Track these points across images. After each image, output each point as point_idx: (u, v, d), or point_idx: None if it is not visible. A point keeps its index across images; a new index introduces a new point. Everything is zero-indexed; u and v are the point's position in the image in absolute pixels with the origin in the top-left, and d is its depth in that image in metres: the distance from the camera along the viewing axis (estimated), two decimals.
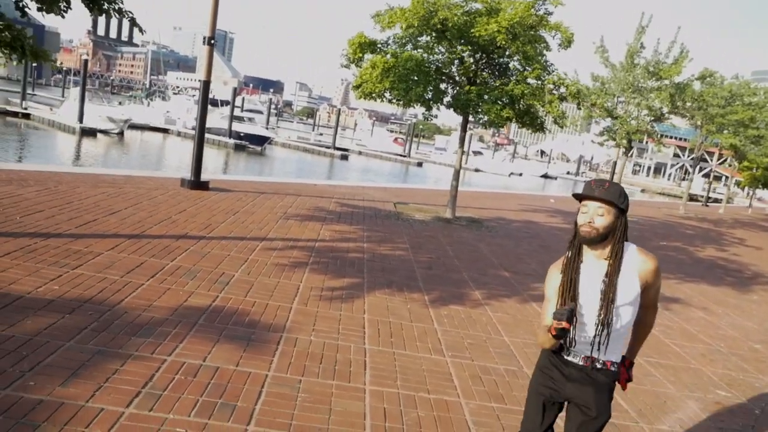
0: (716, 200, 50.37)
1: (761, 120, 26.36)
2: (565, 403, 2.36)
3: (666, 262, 10.96)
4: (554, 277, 2.32)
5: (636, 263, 2.22)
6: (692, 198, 48.49)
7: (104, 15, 5.77)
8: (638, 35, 17.95)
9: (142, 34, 6.32)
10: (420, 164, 49.71)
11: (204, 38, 9.03)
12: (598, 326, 2.20)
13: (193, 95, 63.30)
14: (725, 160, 47.12)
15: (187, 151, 32.87)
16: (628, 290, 2.20)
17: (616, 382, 2.33)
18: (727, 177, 53.05)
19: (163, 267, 5.14)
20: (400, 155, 53.87)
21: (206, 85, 9.36)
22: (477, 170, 52.71)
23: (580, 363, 2.26)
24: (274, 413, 3.07)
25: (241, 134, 38.61)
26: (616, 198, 2.16)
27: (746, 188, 48.83)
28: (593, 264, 2.25)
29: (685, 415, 4.14)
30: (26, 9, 5.42)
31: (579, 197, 2.23)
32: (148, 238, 5.98)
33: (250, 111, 56.47)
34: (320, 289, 5.38)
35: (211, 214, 7.81)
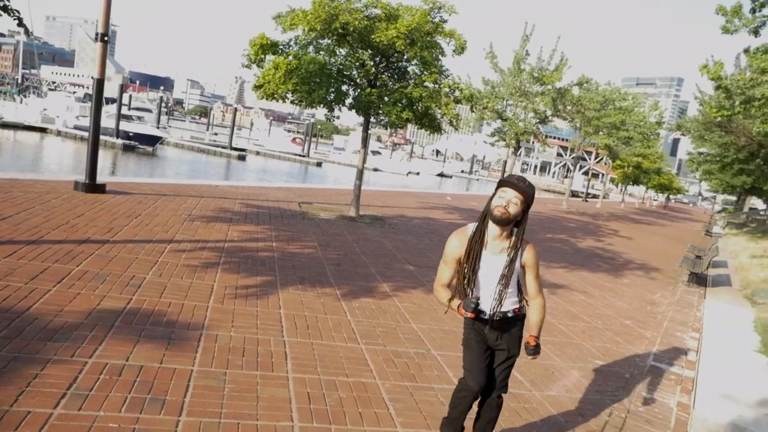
0: (594, 196, 54.70)
1: (630, 122, 29.08)
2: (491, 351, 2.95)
3: (551, 253, 11.97)
4: (455, 245, 2.80)
5: (522, 250, 2.82)
6: (574, 194, 52.31)
7: None
8: (523, 43, 19.29)
9: (29, 36, 6.02)
10: (319, 164, 49.82)
11: (97, 34, 8.64)
12: (497, 289, 2.78)
13: (74, 92, 58.99)
14: (601, 159, 51.21)
15: (69, 152, 30.83)
16: (515, 265, 2.82)
17: (524, 333, 2.97)
18: (603, 174, 57.72)
19: (70, 272, 5.01)
20: (299, 155, 53.68)
21: (100, 83, 8.99)
22: (376, 170, 53.68)
23: (496, 318, 2.84)
24: (203, 404, 3.20)
25: (131, 134, 36.78)
26: (531, 194, 2.68)
27: (619, 185, 53.53)
28: (492, 243, 2.77)
29: (569, 382, 4.72)
30: None
31: (501, 183, 2.70)
32: (48, 244, 5.76)
33: (139, 109, 53.80)
34: (234, 287, 5.47)
35: (112, 217, 7.58)
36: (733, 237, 29.58)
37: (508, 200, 2.63)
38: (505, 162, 25.80)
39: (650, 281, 10.89)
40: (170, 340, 3.98)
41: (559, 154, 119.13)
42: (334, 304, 5.55)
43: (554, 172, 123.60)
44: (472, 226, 2.80)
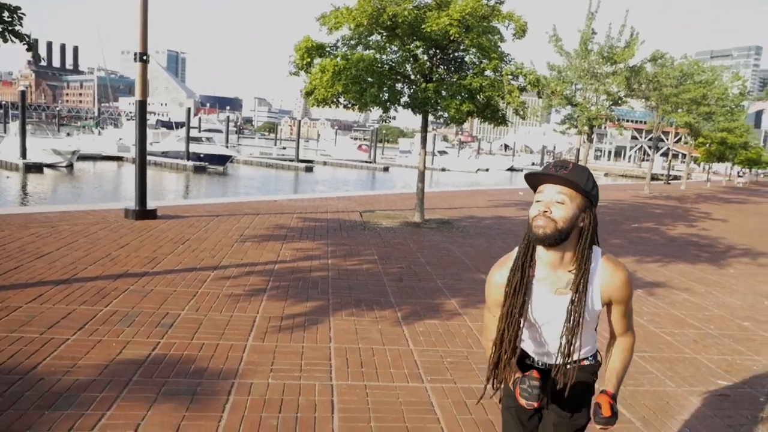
0: (675, 177, 51.31)
1: (711, 96, 26.78)
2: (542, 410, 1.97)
3: (641, 245, 10.70)
4: (497, 283, 1.85)
5: (600, 274, 1.78)
6: (654, 177, 49.22)
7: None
8: (589, 21, 17.87)
9: (38, 60, 5.63)
10: (386, 169, 49.29)
11: (135, 54, 8.36)
12: (559, 353, 1.79)
13: (147, 119, 61.71)
14: (680, 139, 47.97)
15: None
16: (589, 307, 1.79)
17: (596, 390, 1.91)
18: (684, 155, 54.11)
19: (95, 315, 4.51)
20: (366, 162, 53.39)
21: (142, 105, 8.69)
22: (444, 170, 52.60)
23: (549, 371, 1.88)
24: None
25: (201, 155, 37.60)
26: (582, 181, 1.67)
27: (702, 164, 49.88)
28: (547, 274, 1.79)
29: (691, 415, 3.71)
30: None
31: (534, 181, 1.75)
32: (80, 282, 5.32)
33: (209, 131, 55.38)
34: (279, 318, 4.81)
35: (158, 245, 7.15)
36: None
37: (548, 203, 1.69)
38: (578, 150, 24.29)
39: (760, 269, 9.44)
40: (194, 396, 3.34)
41: (633, 137, 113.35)
42: (393, 331, 4.77)
43: (630, 156, 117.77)
44: (515, 252, 1.88)
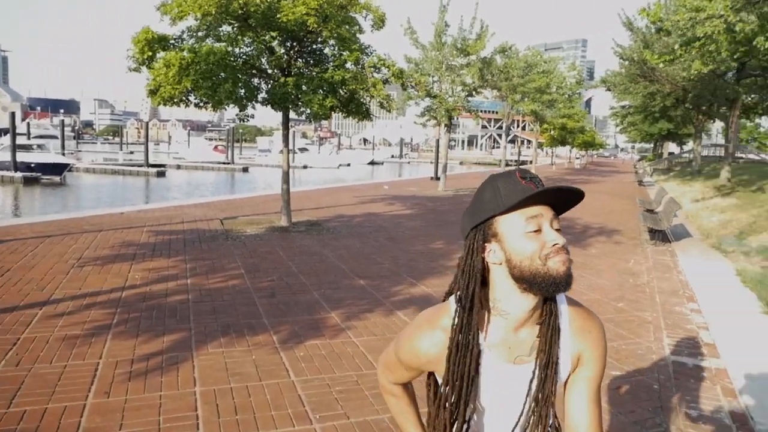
0: (524, 162, 55.26)
1: (553, 85, 28.99)
2: None
3: None
4: (423, 349, 1.25)
5: (569, 326, 1.24)
6: (507, 164, 52.53)
7: None
8: (441, 14, 18.22)
9: None
10: (246, 169, 47.50)
11: None
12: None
13: None
14: (525, 126, 51.67)
15: None
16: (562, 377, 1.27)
17: None
18: (530, 141, 58.22)
19: None
20: (224, 163, 51.09)
21: None
22: (305, 167, 51.90)
23: None
24: None
25: (32, 165, 33.48)
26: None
27: (546, 148, 54.23)
28: (505, 336, 1.22)
29: None
30: None
31: (524, 200, 1.11)
32: None
33: (41, 137, 49.71)
34: (129, 362, 3.97)
35: None
36: (664, 183, 30.06)
37: (555, 231, 1.14)
38: (438, 141, 24.90)
39: (616, 246, 10.07)
40: None
41: (484, 127, 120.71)
42: (270, 360, 4.14)
43: (481, 145, 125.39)
44: (453, 306, 1.22)
